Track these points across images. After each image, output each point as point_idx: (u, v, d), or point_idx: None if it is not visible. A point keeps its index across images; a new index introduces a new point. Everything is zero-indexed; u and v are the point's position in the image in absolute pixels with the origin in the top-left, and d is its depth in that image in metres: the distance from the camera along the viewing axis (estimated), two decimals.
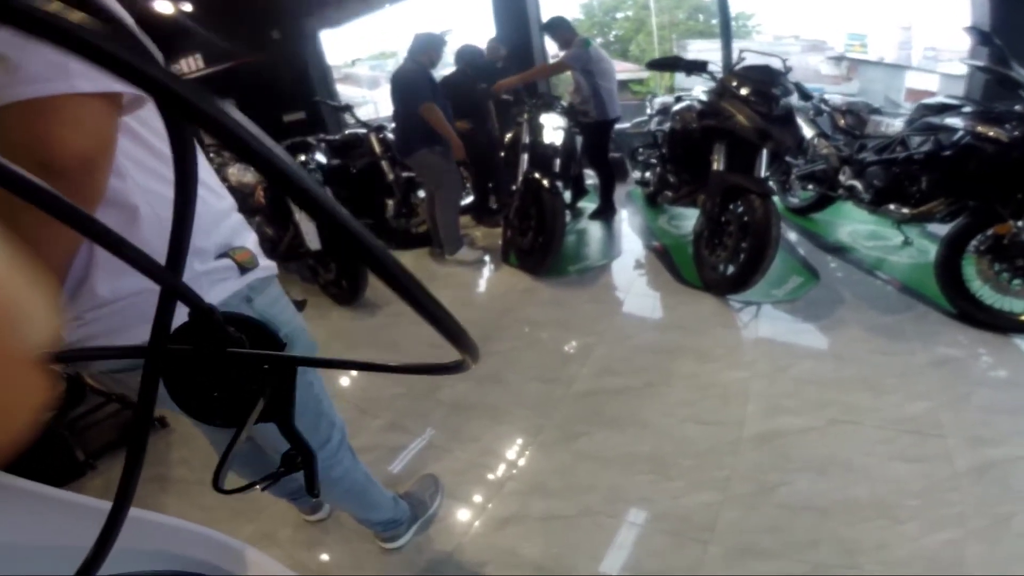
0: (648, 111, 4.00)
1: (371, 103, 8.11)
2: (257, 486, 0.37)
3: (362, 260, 0.18)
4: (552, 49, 4.46)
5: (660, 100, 3.85)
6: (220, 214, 0.86)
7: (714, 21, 12.79)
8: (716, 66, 2.75)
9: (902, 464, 1.60)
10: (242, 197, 3.69)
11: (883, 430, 1.72)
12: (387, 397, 2.19)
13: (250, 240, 0.91)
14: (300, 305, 2.02)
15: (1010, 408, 1.76)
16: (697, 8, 12.91)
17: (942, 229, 2.59)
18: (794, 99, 2.51)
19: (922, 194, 2.58)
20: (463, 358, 0.24)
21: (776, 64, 2.79)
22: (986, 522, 1.41)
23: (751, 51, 2.92)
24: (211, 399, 0.33)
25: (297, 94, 6.15)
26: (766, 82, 2.50)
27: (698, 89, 3.35)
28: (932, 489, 1.51)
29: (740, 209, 2.45)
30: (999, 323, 2.19)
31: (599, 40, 13.45)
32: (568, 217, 3.76)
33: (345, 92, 8.21)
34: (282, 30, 6.54)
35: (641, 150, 4.11)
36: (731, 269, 2.54)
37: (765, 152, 2.46)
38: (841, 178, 2.98)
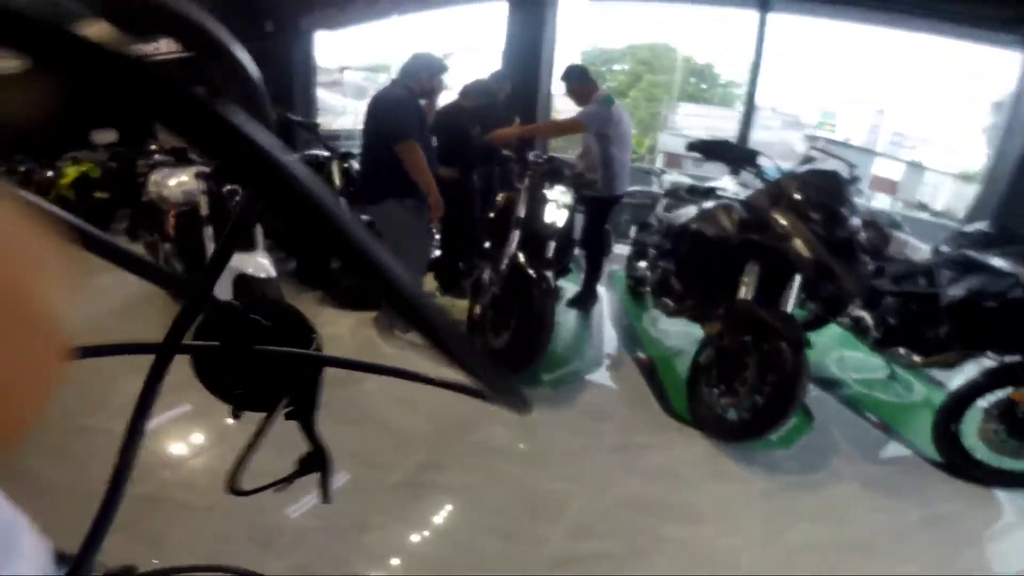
0: (655, 187, 3.55)
1: (352, 113, 7.55)
2: (271, 488, 0.34)
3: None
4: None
5: (671, 179, 3.35)
6: None
7: (704, 86, 13.06)
8: (768, 161, 2.28)
9: None
10: (153, 213, 3.09)
11: None
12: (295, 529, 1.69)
13: None
14: None
15: (1000, 565, 1.81)
16: (690, 71, 13.16)
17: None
18: (856, 221, 2.08)
19: (939, 341, 2.35)
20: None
21: (844, 172, 2.30)
22: None
23: (820, 150, 2.46)
24: (238, 387, 0.32)
25: (275, 95, 5.73)
26: (833, 196, 2.04)
27: (727, 179, 2.94)
28: None
29: (762, 350, 2.03)
30: (988, 479, 2.13)
31: None
32: None
33: (327, 98, 7.67)
34: (276, 23, 6.09)
35: (638, 231, 3.55)
36: (734, 415, 2.12)
37: (799, 279, 2.05)
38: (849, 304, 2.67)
